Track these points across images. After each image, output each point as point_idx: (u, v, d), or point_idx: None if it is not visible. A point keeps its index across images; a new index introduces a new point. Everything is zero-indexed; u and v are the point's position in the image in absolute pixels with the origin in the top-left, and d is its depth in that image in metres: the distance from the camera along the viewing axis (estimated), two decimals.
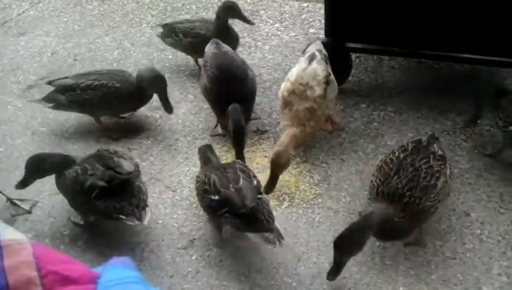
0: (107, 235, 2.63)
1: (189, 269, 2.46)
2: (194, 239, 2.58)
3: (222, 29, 3.40)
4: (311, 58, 2.94)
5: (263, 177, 2.81)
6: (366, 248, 2.44)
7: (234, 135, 2.81)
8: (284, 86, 2.93)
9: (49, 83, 3.26)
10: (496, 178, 2.76)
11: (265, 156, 2.97)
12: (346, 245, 2.19)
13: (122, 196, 2.45)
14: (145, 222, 2.43)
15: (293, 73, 2.93)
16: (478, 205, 2.64)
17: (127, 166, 2.51)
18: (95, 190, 2.44)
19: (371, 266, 2.41)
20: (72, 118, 3.34)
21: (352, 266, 2.40)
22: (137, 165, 2.62)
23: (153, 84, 3.06)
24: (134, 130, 3.24)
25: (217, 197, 2.39)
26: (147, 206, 2.48)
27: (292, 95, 2.85)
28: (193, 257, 2.50)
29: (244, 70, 3.08)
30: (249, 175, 2.48)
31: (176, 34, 3.53)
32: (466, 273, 2.36)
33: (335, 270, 2.22)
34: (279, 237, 2.29)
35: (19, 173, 2.97)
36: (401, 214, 2.25)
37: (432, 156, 2.40)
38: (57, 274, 0.88)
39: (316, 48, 3.00)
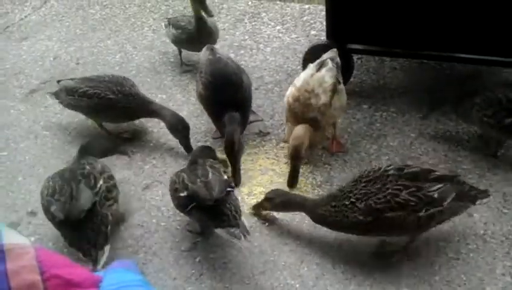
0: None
1: (193, 271, 2.46)
2: (198, 241, 2.58)
3: (197, 20, 3.44)
4: (321, 65, 2.89)
5: (266, 179, 2.82)
6: (369, 249, 2.46)
7: (225, 150, 2.74)
8: (290, 91, 2.88)
9: (58, 82, 3.29)
10: (499, 178, 2.76)
11: (268, 158, 2.97)
12: (275, 195, 2.56)
13: (81, 228, 2.29)
14: (100, 267, 2.18)
15: (300, 78, 2.88)
16: (481, 205, 2.63)
17: (84, 200, 2.32)
18: (55, 217, 2.34)
19: (374, 267, 2.40)
20: (75, 121, 3.35)
21: (356, 267, 2.40)
22: (110, 191, 2.45)
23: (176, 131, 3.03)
24: (136, 133, 3.25)
25: (185, 193, 2.40)
26: (106, 244, 2.28)
27: (296, 102, 2.78)
28: (196, 260, 2.50)
29: (239, 76, 3.03)
30: (219, 171, 2.48)
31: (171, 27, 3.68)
32: (469, 273, 2.35)
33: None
34: (245, 231, 2.29)
35: (22, 177, 3.00)
36: (331, 209, 2.35)
37: (415, 188, 2.26)
38: (60, 278, 0.88)
39: (329, 55, 2.96)
